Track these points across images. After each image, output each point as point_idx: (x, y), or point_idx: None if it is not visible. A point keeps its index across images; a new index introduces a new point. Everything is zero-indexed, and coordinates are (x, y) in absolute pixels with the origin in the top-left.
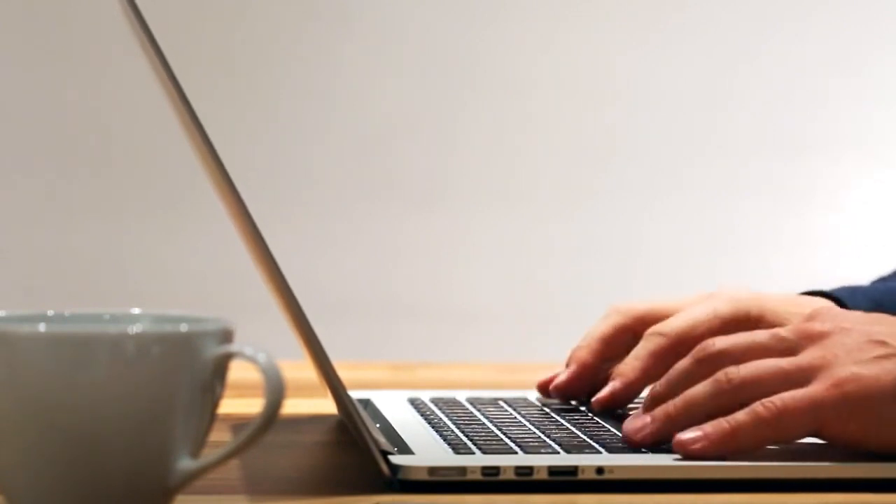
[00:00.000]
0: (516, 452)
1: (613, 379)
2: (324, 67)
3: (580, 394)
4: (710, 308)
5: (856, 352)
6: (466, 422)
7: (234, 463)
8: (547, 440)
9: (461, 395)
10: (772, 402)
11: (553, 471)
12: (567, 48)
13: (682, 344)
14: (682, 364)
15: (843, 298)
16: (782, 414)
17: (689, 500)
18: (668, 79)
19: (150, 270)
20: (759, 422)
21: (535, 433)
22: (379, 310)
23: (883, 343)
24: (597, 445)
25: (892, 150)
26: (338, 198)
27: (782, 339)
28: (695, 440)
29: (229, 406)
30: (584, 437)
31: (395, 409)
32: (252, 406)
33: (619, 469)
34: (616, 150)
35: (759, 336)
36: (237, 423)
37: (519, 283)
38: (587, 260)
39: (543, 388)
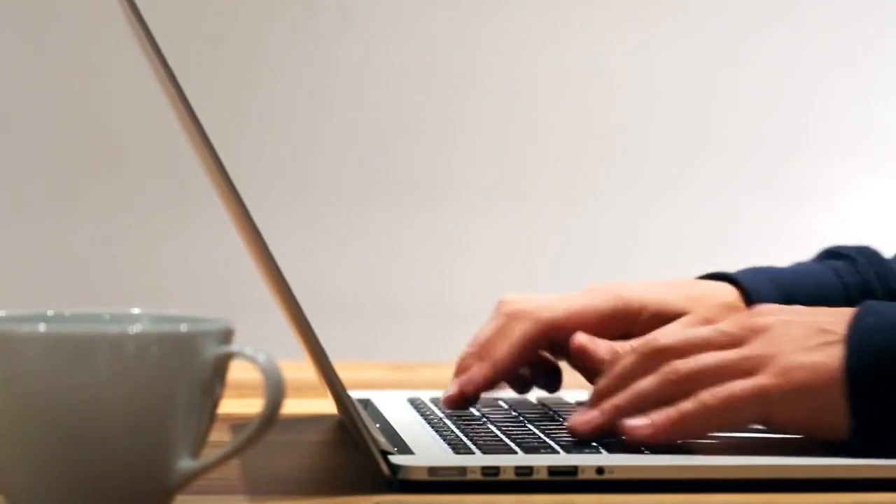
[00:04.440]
0: (516, 452)
1: (484, 363)
2: (323, 67)
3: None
4: (585, 302)
5: (801, 340)
6: (466, 422)
7: (234, 463)
8: (547, 440)
9: None
10: (718, 390)
11: (553, 471)
12: (567, 47)
13: (554, 332)
14: (627, 360)
15: (744, 280)
16: (728, 401)
17: (689, 500)
18: (668, 78)
19: (149, 270)
20: (705, 409)
21: (535, 433)
22: (379, 309)
23: (826, 331)
24: (597, 445)
25: (892, 149)
26: (338, 198)
27: (726, 334)
28: (641, 426)
29: (229, 406)
30: None
31: (395, 409)
32: (252, 406)
33: (619, 469)
34: (615, 149)
35: (703, 331)
36: (237, 423)
37: (519, 282)
38: (586, 259)
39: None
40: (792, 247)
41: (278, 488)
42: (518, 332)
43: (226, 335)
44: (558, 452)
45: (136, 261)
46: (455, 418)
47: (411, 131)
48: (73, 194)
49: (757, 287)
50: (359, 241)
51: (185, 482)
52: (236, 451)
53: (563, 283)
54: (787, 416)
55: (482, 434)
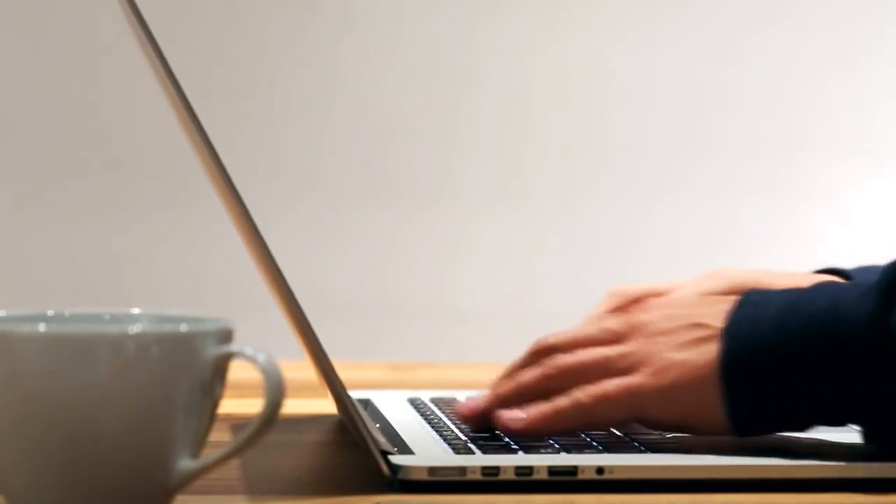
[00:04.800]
0: (516, 452)
1: None
2: (323, 67)
3: None
4: (703, 287)
5: (675, 336)
6: None
7: (234, 463)
8: (547, 440)
9: (461, 396)
10: (592, 389)
11: (553, 471)
12: (567, 48)
13: None
14: (519, 358)
15: (855, 276)
16: (600, 399)
17: (689, 500)
18: (668, 78)
19: (149, 270)
20: (577, 406)
21: None
22: (378, 309)
23: (702, 325)
24: (597, 445)
25: (892, 149)
26: (338, 197)
27: (609, 331)
28: (515, 419)
29: (229, 406)
30: (584, 437)
31: (395, 409)
32: (252, 406)
33: (619, 469)
34: (615, 149)
35: (589, 329)
36: (237, 423)
37: (519, 282)
38: (586, 259)
39: None
40: (792, 247)
41: (278, 488)
42: (597, 307)
43: (226, 335)
44: (558, 452)
45: (136, 261)
46: (455, 418)
47: (411, 131)
48: (73, 194)
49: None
50: (359, 241)
51: (185, 482)
52: (236, 451)
53: (563, 283)
54: (661, 414)
55: (482, 434)
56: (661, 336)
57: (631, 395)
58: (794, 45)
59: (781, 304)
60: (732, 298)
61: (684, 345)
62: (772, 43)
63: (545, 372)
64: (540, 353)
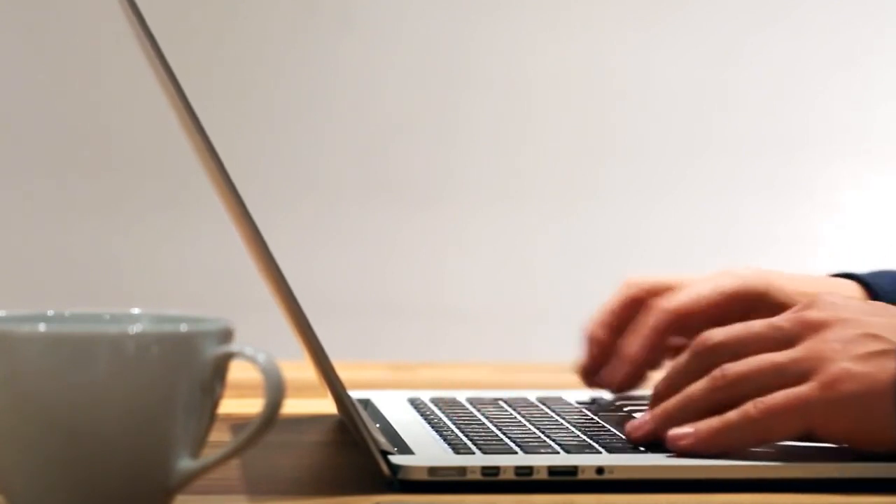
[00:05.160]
0: (516, 452)
1: (620, 359)
2: (323, 67)
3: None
4: (714, 284)
5: (851, 346)
6: (466, 422)
7: (234, 463)
8: (547, 440)
9: (461, 395)
10: (762, 402)
11: (553, 471)
12: (567, 47)
13: (683, 319)
14: (681, 360)
15: (870, 281)
16: (771, 414)
17: (689, 500)
18: (668, 78)
19: (149, 270)
20: (748, 421)
21: (535, 433)
22: (378, 309)
23: (878, 338)
24: (597, 445)
25: (892, 149)
26: (338, 197)
27: (779, 329)
28: (685, 436)
29: (229, 406)
30: (584, 437)
31: (395, 409)
32: (252, 406)
33: (619, 469)
34: (615, 149)
35: (756, 326)
36: (237, 423)
37: (519, 282)
38: (586, 259)
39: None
40: (792, 247)
41: (278, 488)
42: (649, 326)
43: (226, 335)
44: (558, 452)
45: (136, 261)
46: (455, 418)
47: (411, 131)
48: (73, 194)
49: (882, 288)
50: (359, 241)
51: (185, 482)
52: (236, 451)
53: (563, 283)
54: (833, 429)
55: (482, 434)
56: (834, 342)
57: (803, 408)
58: (794, 45)
59: None
60: None
61: (860, 357)
62: (772, 43)
63: (712, 385)
64: (704, 354)
